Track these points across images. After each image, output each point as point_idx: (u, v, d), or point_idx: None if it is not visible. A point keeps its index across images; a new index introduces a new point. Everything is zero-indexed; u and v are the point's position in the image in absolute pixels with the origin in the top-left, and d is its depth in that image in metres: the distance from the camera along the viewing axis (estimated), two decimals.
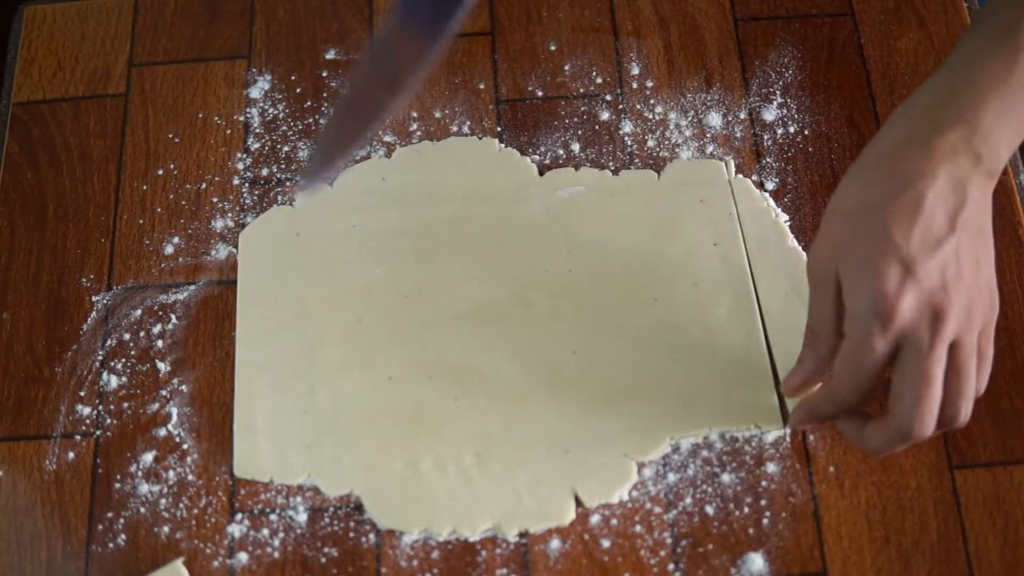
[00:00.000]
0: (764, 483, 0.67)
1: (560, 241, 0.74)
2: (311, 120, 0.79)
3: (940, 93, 0.58)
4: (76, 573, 0.66)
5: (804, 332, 0.62)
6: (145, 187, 0.77)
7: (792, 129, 0.78)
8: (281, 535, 0.66)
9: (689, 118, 0.78)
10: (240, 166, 0.77)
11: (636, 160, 0.77)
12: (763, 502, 0.66)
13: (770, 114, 0.78)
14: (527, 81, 0.80)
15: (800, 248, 0.73)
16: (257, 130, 0.79)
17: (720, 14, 0.82)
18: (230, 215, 0.76)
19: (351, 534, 0.66)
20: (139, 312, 0.73)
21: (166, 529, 0.66)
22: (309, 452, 0.68)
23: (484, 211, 0.75)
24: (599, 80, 0.80)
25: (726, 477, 0.67)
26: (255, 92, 0.80)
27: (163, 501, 0.67)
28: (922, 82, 0.61)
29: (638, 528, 0.66)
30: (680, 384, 0.69)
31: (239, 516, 0.67)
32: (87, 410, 0.70)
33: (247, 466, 0.68)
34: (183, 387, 0.70)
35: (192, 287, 0.74)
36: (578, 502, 0.66)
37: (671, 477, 0.67)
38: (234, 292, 0.73)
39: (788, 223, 0.74)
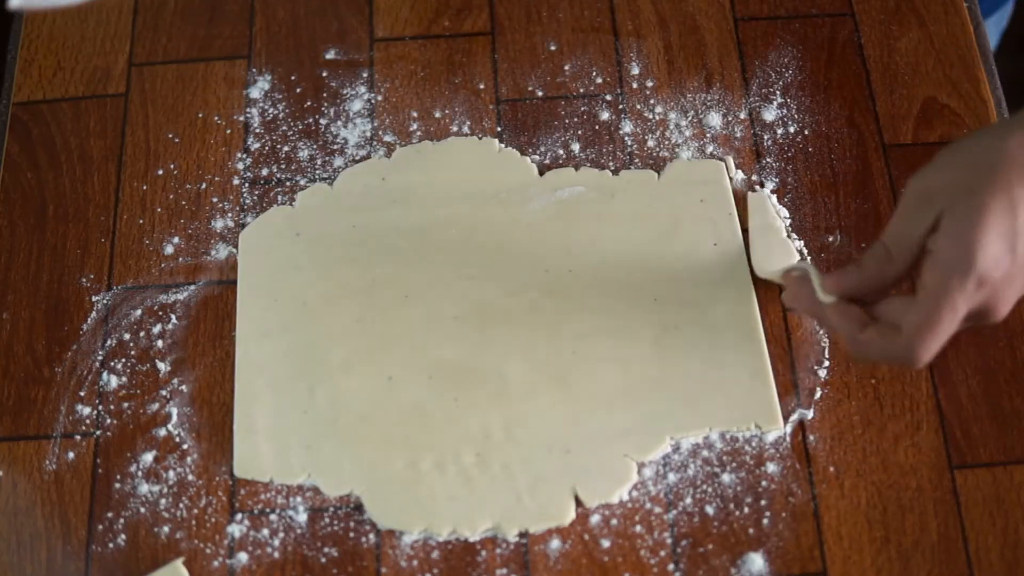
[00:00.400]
0: (764, 483, 0.67)
1: (560, 241, 0.74)
2: (311, 120, 0.79)
3: None
4: (76, 573, 0.66)
5: (874, 245, 0.60)
6: (145, 187, 0.77)
7: (792, 129, 0.78)
8: (281, 535, 0.66)
9: (689, 118, 0.78)
10: (240, 166, 0.77)
11: (636, 160, 0.77)
12: (763, 502, 0.66)
13: (770, 114, 0.78)
14: (527, 81, 0.80)
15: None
16: (257, 130, 0.79)
17: (720, 14, 0.82)
18: (230, 215, 0.76)
19: (351, 534, 0.66)
20: (139, 312, 0.73)
21: (166, 529, 0.66)
22: (309, 452, 0.68)
23: (484, 211, 0.75)
24: (599, 80, 0.80)
25: (726, 477, 0.67)
26: (255, 92, 0.80)
27: (163, 501, 0.67)
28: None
29: (638, 528, 0.66)
30: (680, 384, 0.69)
31: (239, 516, 0.67)
32: (87, 410, 0.70)
33: (247, 466, 0.68)
34: (183, 387, 0.70)
35: (192, 287, 0.74)
36: (578, 502, 0.66)
37: (671, 477, 0.67)
38: (234, 292, 0.73)
39: (788, 222, 0.74)
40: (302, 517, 0.66)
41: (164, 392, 0.70)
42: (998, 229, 0.55)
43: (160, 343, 0.72)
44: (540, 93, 0.80)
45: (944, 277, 0.56)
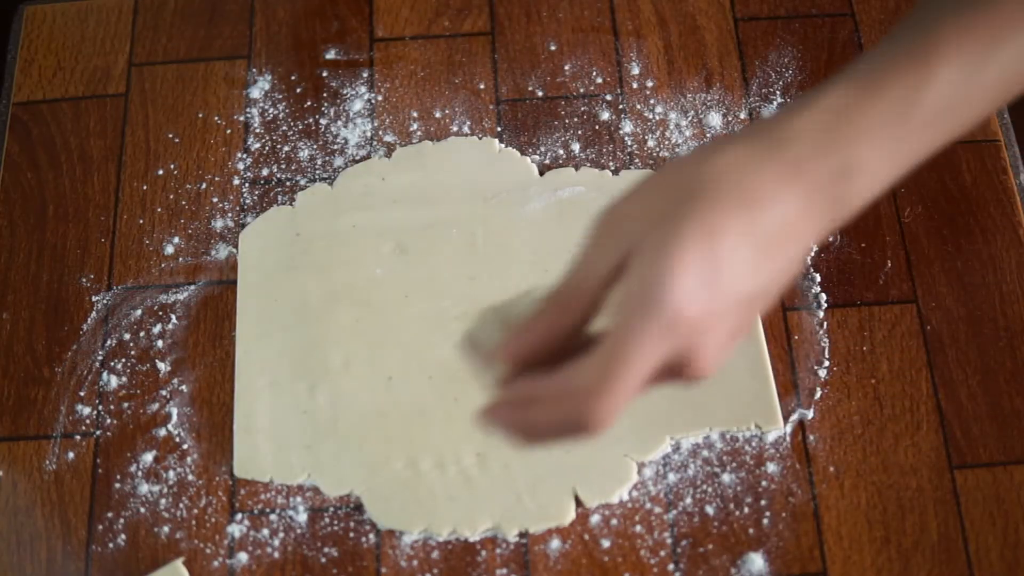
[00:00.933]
0: (764, 483, 0.67)
1: (560, 241, 0.74)
2: (311, 120, 0.79)
3: (827, 113, 0.48)
4: (76, 573, 0.66)
5: (549, 293, 0.49)
6: (145, 187, 0.77)
7: None
8: (281, 535, 0.66)
9: (689, 118, 0.78)
10: (240, 166, 0.77)
11: (636, 160, 0.77)
12: (763, 502, 0.66)
13: (770, 114, 0.78)
14: (527, 81, 0.80)
15: None
16: (257, 130, 0.79)
17: (720, 14, 0.82)
18: (230, 215, 0.76)
19: (351, 534, 0.66)
20: (139, 312, 0.73)
21: (166, 529, 0.66)
22: (309, 452, 0.68)
23: (484, 211, 0.75)
24: (599, 80, 0.80)
25: (726, 477, 0.67)
26: (255, 92, 0.80)
27: (163, 501, 0.67)
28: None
29: (638, 528, 0.66)
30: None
31: (239, 516, 0.67)
32: (87, 410, 0.70)
33: (247, 466, 0.68)
34: (183, 387, 0.70)
35: (192, 287, 0.74)
36: (578, 502, 0.66)
37: (671, 477, 0.67)
38: (234, 292, 0.73)
39: None
40: (302, 517, 0.66)
41: (164, 392, 0.70)
42: (692, 261, 0.45)
43: (160, 343, 0.72)
44: (540, 93, 0.80)
45: (626, 320, 0.46)
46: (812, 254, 0.73)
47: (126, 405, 0.70)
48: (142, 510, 0.67)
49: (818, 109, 0.48)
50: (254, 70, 0.81)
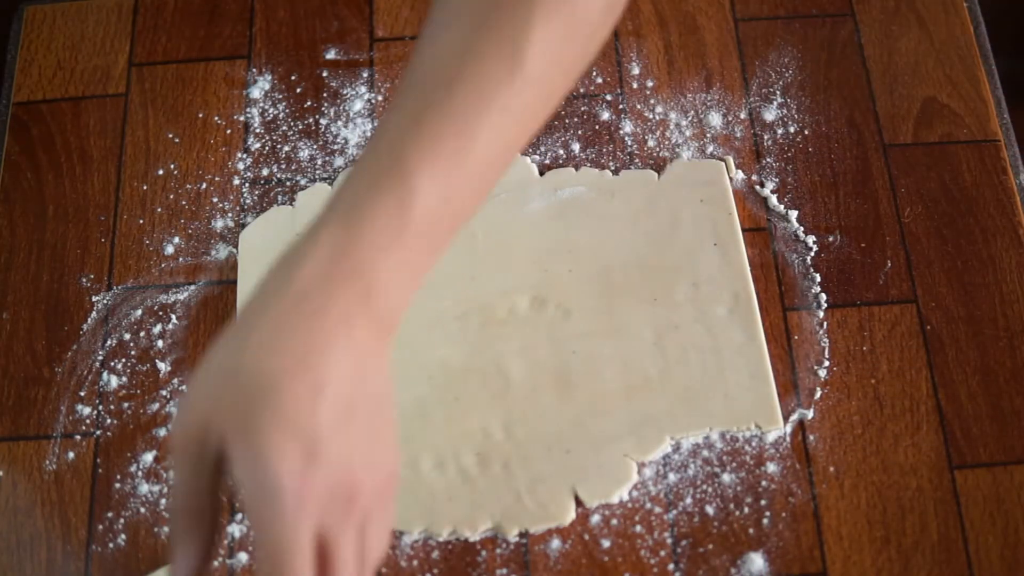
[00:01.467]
0: (764, 483, 0.67)
1: (560, 241, 0.74)
2: (311, 120, 0.79)
3: (331, 247, 0.49)
4: (76, 573, 0.65)
5: (172, 518, 0.50)
6: (145, 187, 0.77)
7: (792, 129, 0.78)
8: None
9: (689, 118, 0.78)
10: (240, 166, 0.77)
11: (636, 160, 0.77)
12: (763, 502, 0.66)
13: (770, 114, 0.78)
14: None
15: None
16: (257, 130, 0.79)
17: (720, 14, 0.82)
18: (230, 215, 0.76)
19: None
20: (139, 312, 0.73)
21: (166, 529, 0.66)
22: None
23: (484, 211, 0.75)
24: (599, 80, 0.80)
25: (726, 477, 0.67)
26: (255, 92, 0.80)
27: (163, 501, 0.67)
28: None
29: (638, 528, 0.65)
30: (680, 384, 0.69)
31: (239, 516, 0.67)
32: (87, 410, 0.70)
33: None
34: (183, 387, 0.70)
35: (192, 287, 0.73)
36: (578, 502, 0.66)
37: (671, 477, 0.67)
38: (234, 292, 0.73)
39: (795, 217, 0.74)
40: None
41: (164, 392, 0.70)
42: (283, 443, 0.46)
43: (160, 343, 0.72)
44: None
45: (260, 517, 0.46)
46: (812, 254, 0.73)
47: (126, 405, 0.70)
48: (142, 510, 0.67)
49: (319, 249, 0.49)
50: (254, 70, 0.81)
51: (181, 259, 0.74)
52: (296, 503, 0.46)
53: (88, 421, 0.70)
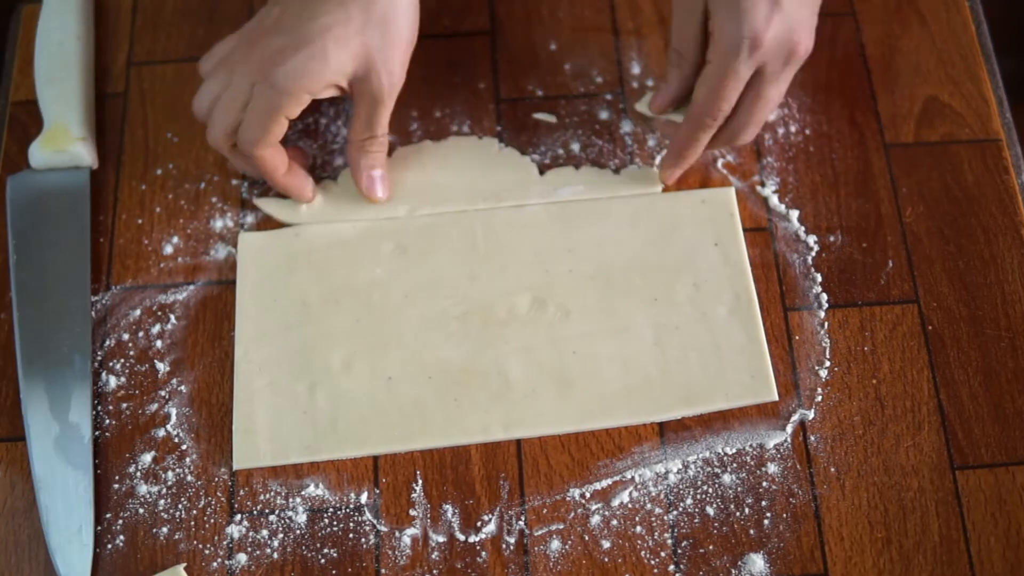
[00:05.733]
0: (765, 484, 0.66)
1: (560, 241, 0.73)
2: (311, 120, 0.79)
3: None
4: None
5: (668, 54, 0.70)
6: (144, 187, 0.77)
7: (793, 129, 0.77)
8: (280, 536, 0.66)
9: None
10: None
11: (636, 160, 0.77)
12: (764, 503, 0.66)
13: (771, 114, 0.78)
14: (527, 81, 0.80)
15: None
16: None
17: None
18: (229, 215, 0.76)
19: (351, 535, 0.66)
20: (138, 312, 0.73)
21: (165, 530, 0.66)
22: (309, 452, 0.67)
23: (484, 211, 0.75)
24: (599, 80, 0.80)
25: (727, 478, 0.67)
26: None
27: (162, 502, 0.67)
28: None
29: (638, 529, 0.65)
30: (680, 384, 0.69)
31: (238, 517, 0.66)
32: None
33: (246, 467, 0.67)
34: (182, 387, 0.70)
35: (191, 287, 0.73)
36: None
37: (672, 478, 0.67)
38: (233, 292, 0.73)
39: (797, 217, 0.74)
40: (302, 518, 0.66)
41: (163, 392, 0.70)
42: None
43: (159, 343, 0.72)
44: (540, 93, 0.79)
45: (720, 54, 0.65)
46: (813, 254, 0.73)
47: (125, 406, 0.70)
48: (141, 511, 0.67)
49: None
50: None
51: (180, 259, 0.74)
52: (752, 47, 0.64)
53: None
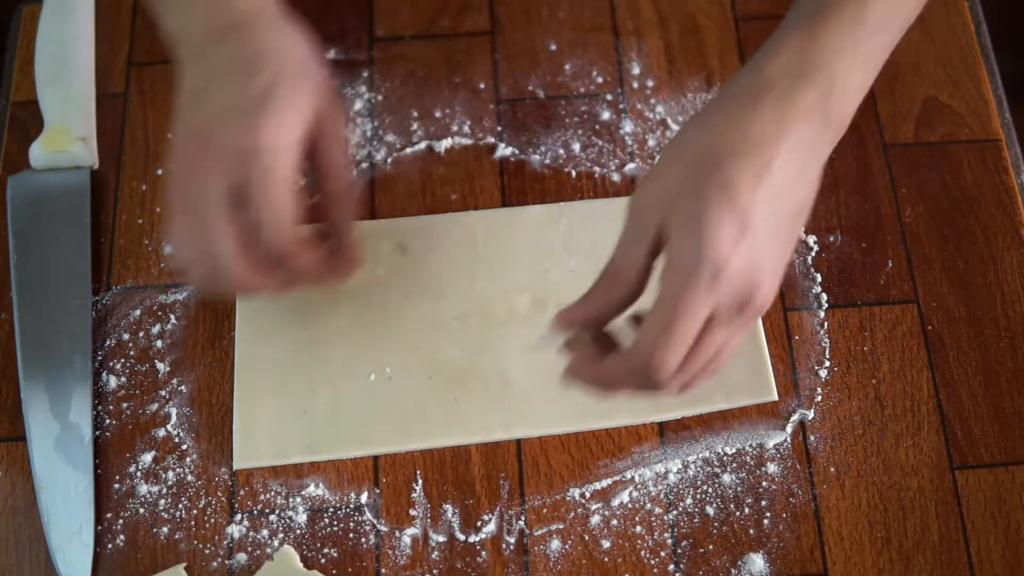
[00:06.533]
0: (765, 484, 0.66)
1: (560, 241, 0.73)
2: None
3: (796, 47, 0.55)
4: None
5: (602, 271, 0.57)
6: (144, 187, 0.77)
7: None
8: (280, 536, 0.66)
9: (690, 118, 0.78)
10: None
11: (636, 160, 0.77)
12: (764, 503, 0.66)
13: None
14: (527, 81, 0.80)
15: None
16: None
17: (720, 13, 0.82)
18: None
19: (351, 535, 0.66)
20: (138, 312, 0.73)
21: (165, 530, 0.66)
22: (309, 452, 0.67)
23: (484, 211, 0.75)
24: (599, 80, 0.80)
25: (727, 478, 0.67)
26: None
27: (162, 502, 0.67)
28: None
29: (638, 529, 0.65)
30: None
31: (238, 517, 0.66)
32: None
33: (247, 467, 0.67)
34: (182, 387, 0.70)
35: (191, 287, 0.73)
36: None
37: (671, 478, 0.67)
38: (233, 292, 0.73)
39: None
40: (302, 518, 0.66)
41: (163, 392, 0.70)
42: (720, 219, 0.51)
43: (159, 343, 0.72)
44: (540, 93, 0.79)
45: (674, 278, 0.52)
46: (813, 254, 0.73)
47: (125, 405, 0.70)
48: (141, 511, 0.67)
49: (784, 49, 0.55)
50: None
51: None
52: (713, 274, 0.51)
53: None
